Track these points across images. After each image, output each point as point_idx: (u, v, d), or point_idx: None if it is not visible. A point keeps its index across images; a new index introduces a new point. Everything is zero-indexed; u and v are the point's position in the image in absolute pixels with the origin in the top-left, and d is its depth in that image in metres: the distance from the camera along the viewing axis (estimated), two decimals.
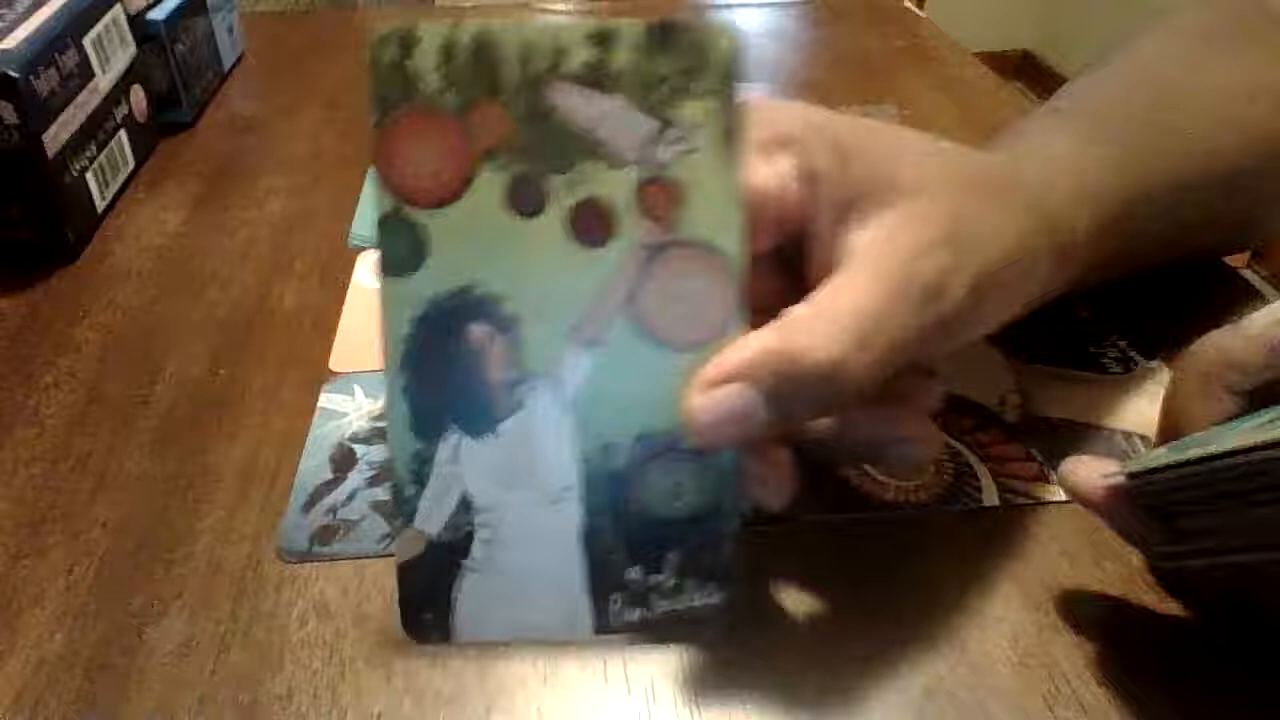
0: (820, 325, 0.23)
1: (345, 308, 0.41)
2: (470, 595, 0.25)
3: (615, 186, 0.24)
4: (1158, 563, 0.28)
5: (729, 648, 0.26)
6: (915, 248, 0.24)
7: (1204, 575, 0.25)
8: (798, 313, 0.23)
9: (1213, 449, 0.22)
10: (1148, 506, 0.25)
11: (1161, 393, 0.35)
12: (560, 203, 0.24)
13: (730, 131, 0.24)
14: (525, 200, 0.24)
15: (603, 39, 0.23)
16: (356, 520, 0.31)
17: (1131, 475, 0.24)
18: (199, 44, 0.58)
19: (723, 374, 0.23)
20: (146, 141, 0.53)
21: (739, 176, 0.24)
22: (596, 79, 0.23)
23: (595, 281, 0.24)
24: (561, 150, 0.23)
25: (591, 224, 0.24)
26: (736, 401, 0.23)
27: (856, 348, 0.23)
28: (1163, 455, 0.24)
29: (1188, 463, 0.22)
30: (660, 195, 0.24)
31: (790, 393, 0.23)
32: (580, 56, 0.23)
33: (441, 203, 0.23)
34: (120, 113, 0.49)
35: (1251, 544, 0.22)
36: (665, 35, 0.23)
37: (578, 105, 0.23)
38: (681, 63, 0.23)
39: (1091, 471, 0.26)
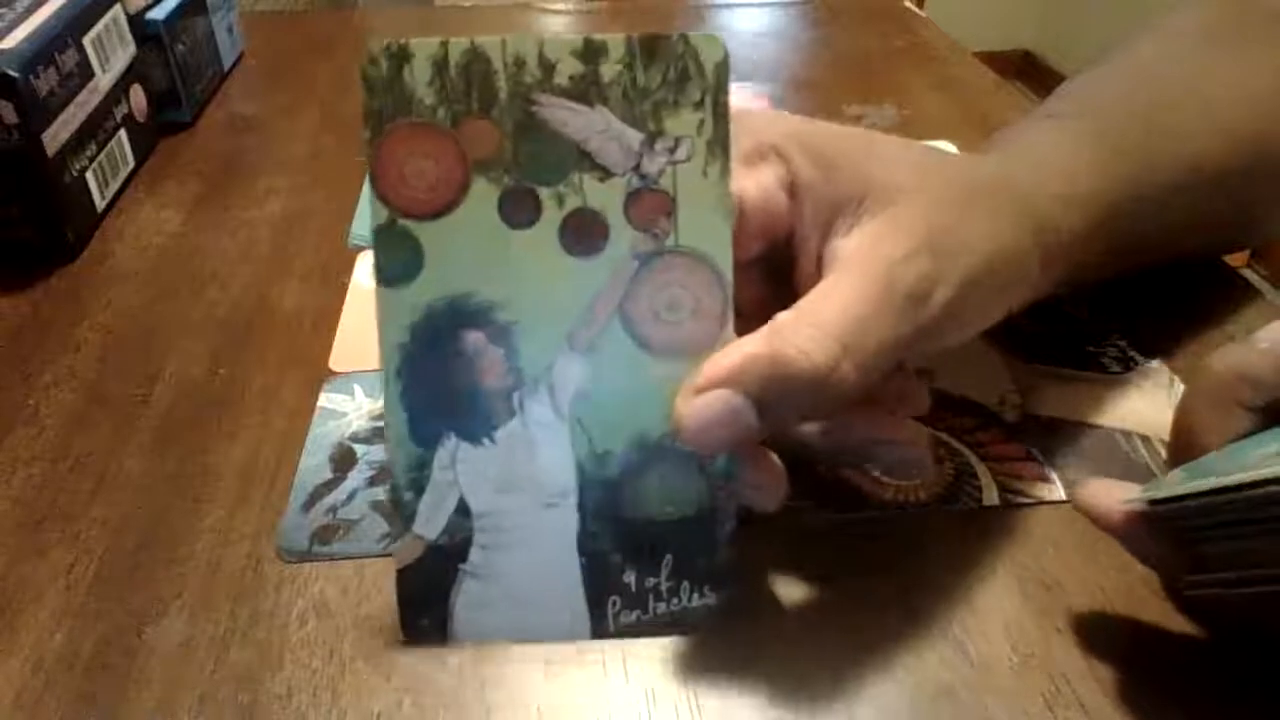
0: (806, 331, 0.23)
1: (345, 308, 0.41)
2: (468, 599, 0.26)
3: (606, 197, 0.24)
4: (1181, 590, 0.27)
5: (729, 647, 0.26)
6: (897, 254, 0.25)
7: (1223, 601, 0.25)
8: (784, 319, 0.24)
9: (1238, 479, 0.21)
10: (1168, 532, 0.24)
11: (1161, 392, 0.35)
12: (552, 213, 0.24)
13: (718, 142, 0.24)
14: (518, 211, 0.24)
15: (590, 52, 0.23)
16: (356, 520, 0.31)
17: (1152, 502, 0.24)
18: (199, 44, 0.58)
19: (711, 380, 0.23)
20: (146, 141, 0.53)
21: (727, 186, 0.24)
22: (585, 91, 0.24)
23: (588, 290, 0.24)
24: (553, 162, 0.24)
25: (583, 234, 0.24)
26: (724, 407, 0.23)
27: (842, 353, 0.23)
28: (1183, 481, 0.23)
29: (1211, 491, 0.22)
30: (650, 205, 0.24)
31: (777, 397, 0.23)
32: (568, 70, 0.23)
33: (436, 214, 0.24)
34: (120, 112, 0.49)
35: (1275, 575, 0.22)
36: (652, 48, 0.24)
37: (567, 118, 0.24)
38: (668, 75, 0.24)
39: (1110, 496, 0.25)
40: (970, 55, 0.67)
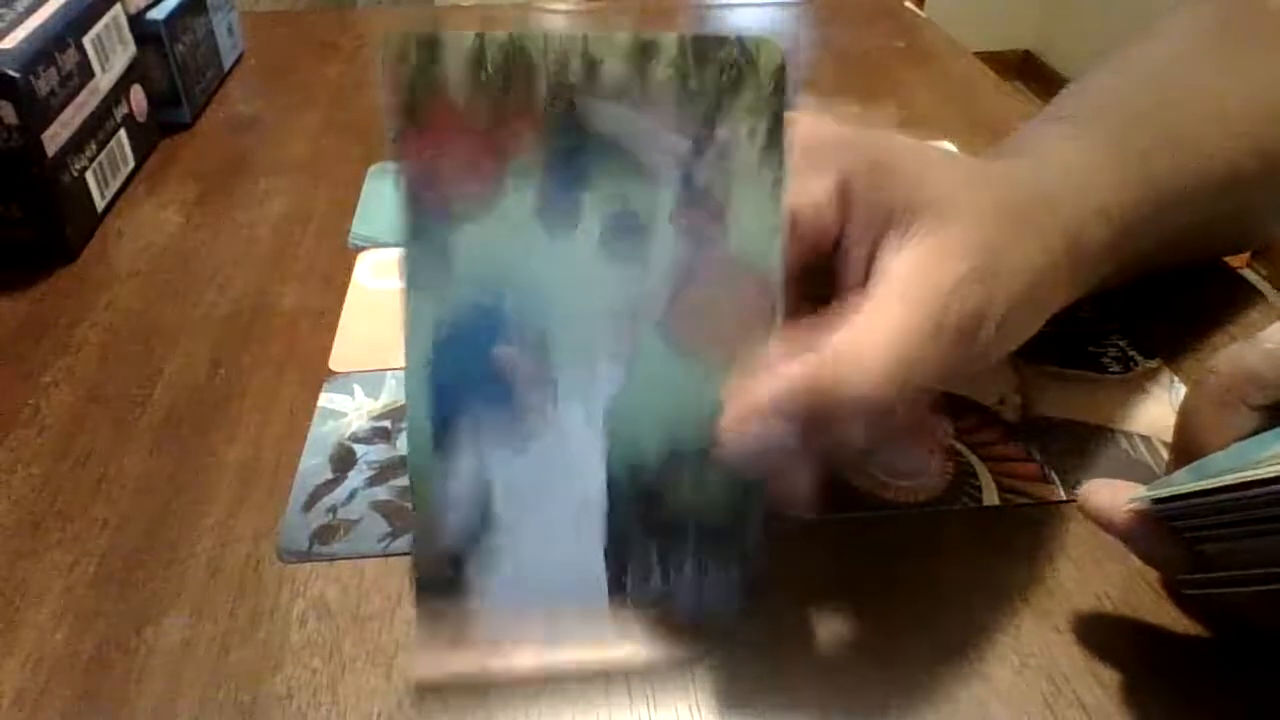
0: (856, 364, 0.23)
1: (345, 308, 0.41)
2: (491, 606, 0.25)
3: (651, 202, 0.23)
4: (1183, 589, 0.27)
5: (726, 649, 0.26)
6: (950, 281, 0.24)
7: (1225, 600, 0.25)
8: (833, 344, 0.23)
9: (1242, 478, 0.21)
10: (1171, 531, 0.24)
11: (1161, 392, 0.35)
12: (594, 217, 0.23)
13: (772, 149, 0.23)
14: (557, 214, 0.23)
15: (641, 52, 0.22)
16: (356, 520, 0.31)
17: (1156, 501, 0.24)
18: (199, 44, 0.58)
19: (757, 405, 0.23)
20: (146, 141, 0.53)
21: (780, 195, 0.23)
22: (634, 92, 0.22)
23: (628, 297, 0.23)
24: (596, 165, 0.23)
25: (625, 240, 0.23)
26: (771, 433, 0.23)
27: (891, 387, 0.23)
28: (1187, 480, 0.23)
29: (1216, 490, 0.22)
30: (698, 213, 0.23)
31: (823, 425, 0.23)
32: (616, 70, 0.22)
33: (469, 215, 0.23)
34: (120, 112, 0.49)
35: (1276, 574, 0.22)
36: (705, 49, 0.22)
37: (613, 120, 0.22)
38: (722, 78, 0.23)
39: (1114, 496, 0.25)
40: (970, 55, 0.67)
